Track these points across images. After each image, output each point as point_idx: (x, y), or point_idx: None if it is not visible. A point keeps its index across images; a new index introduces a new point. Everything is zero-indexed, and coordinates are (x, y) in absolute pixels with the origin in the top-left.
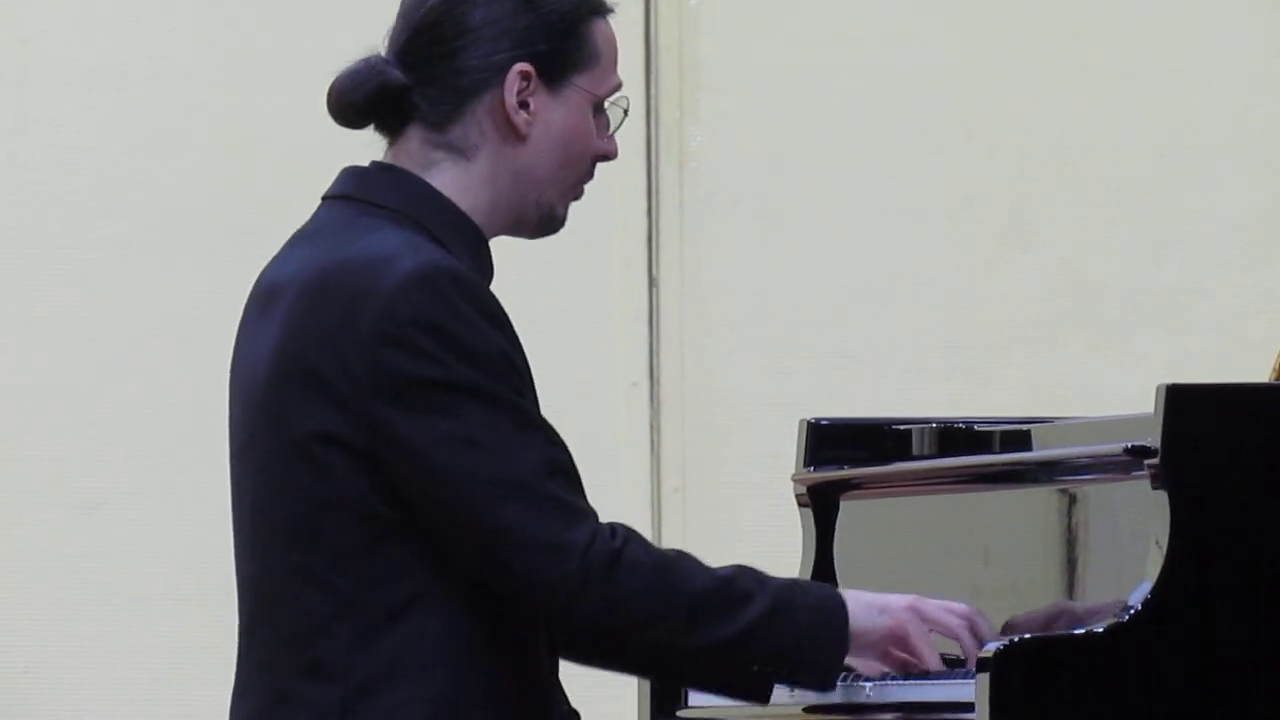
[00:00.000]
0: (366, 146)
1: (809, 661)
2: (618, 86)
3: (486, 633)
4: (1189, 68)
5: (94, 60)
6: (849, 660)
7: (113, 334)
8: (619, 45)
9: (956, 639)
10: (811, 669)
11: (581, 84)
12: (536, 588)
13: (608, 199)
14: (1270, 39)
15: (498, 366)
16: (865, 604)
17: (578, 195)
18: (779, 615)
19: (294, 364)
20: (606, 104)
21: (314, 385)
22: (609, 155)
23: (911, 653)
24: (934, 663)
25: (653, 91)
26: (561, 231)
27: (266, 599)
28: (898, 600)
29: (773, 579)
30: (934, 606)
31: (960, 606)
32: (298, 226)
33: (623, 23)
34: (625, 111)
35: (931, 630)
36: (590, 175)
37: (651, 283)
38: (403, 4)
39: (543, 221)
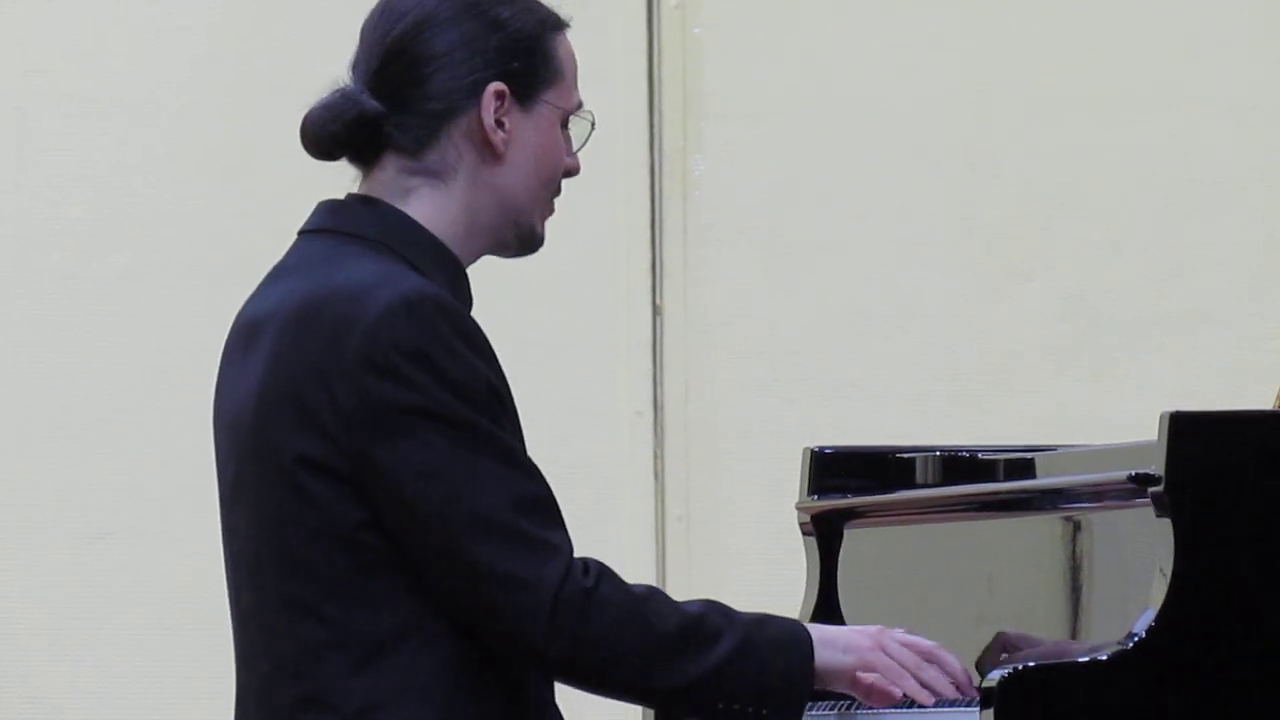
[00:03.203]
0: None
1: (775, 698)
2: (581, 102)
3: (485, 659)
4: (1192, 96)
5: (94, 92)
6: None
7: (114, 365)
8: (624, 72)
9: (917, 677)
10: (777, 705)
11: (550, 99)
12: (507, 624)
13: (612, 228)
14: (1274, 67)
15: (480, 396)
16: (829, 640)
17: (551, 213)
18: (746, 653)
19: (281, 395)
20: (571, 119)
21: (301, 414)
22: (574, 171)
23: (883, 687)
24: (913, 690)
25: (656, 120)
26: (566, 260)
27: (262, 631)
28: (862, 638)
29: (741, 616)
30: (897, 645)
31: (925, 642)
32: None
33: (626, 51)
34: (592, 125)
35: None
36: (560, 192)
37: (655, 311)
38: (364, 32)
39: (523, 241)
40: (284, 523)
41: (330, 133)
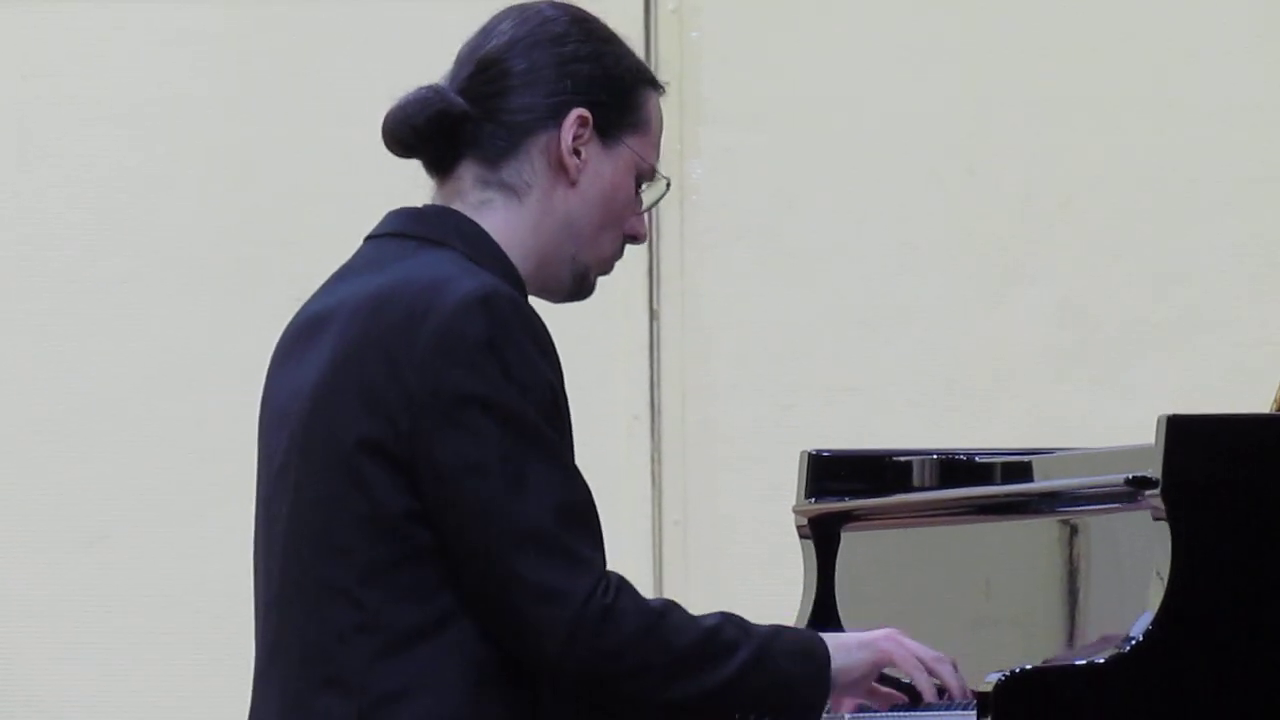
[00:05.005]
0: (370, 183)
1: (793, 705)
2: (658, 167)
3: (509, 660)
4: (1190, 102)
5: (95, 97)
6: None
7: (114, 368)
8: None
9: (931, 670)
10: (795, 712)
11: (632, 145)
12: (527, 632)
13: None
14: (1271, 72)
15: (543, 399)
16: (843, 642)
17: (607, 270)
18: (762, 663)
19: (348, 379)
20: (644, 187)
21: (366, 398)
22: (638, 236)
23: (902, 671)
24: (925, 683)
25: None
26: None
27: (292, 615)
28: (877, 634)
29: (756, 627)
30: (911, 640)
31: (932, 651)
32: (301, 261)
33: None
34: (668, 184)
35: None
36: (621, 253)
37: (652, 316)
38: (462, 49)
39: (575, 282)
40: (332, 506)
41: (413, 125)
